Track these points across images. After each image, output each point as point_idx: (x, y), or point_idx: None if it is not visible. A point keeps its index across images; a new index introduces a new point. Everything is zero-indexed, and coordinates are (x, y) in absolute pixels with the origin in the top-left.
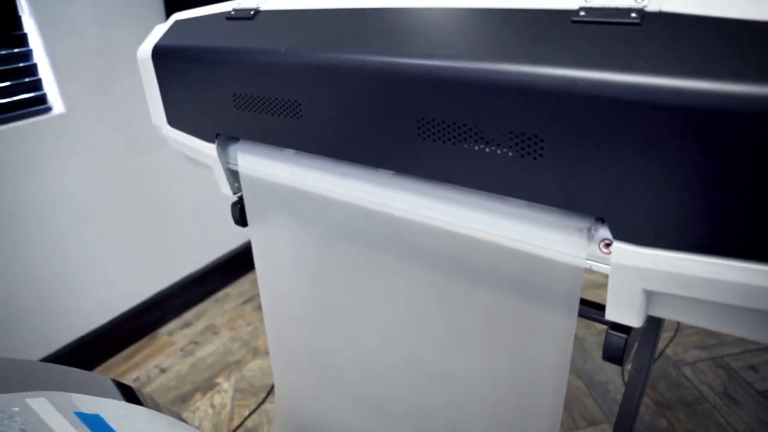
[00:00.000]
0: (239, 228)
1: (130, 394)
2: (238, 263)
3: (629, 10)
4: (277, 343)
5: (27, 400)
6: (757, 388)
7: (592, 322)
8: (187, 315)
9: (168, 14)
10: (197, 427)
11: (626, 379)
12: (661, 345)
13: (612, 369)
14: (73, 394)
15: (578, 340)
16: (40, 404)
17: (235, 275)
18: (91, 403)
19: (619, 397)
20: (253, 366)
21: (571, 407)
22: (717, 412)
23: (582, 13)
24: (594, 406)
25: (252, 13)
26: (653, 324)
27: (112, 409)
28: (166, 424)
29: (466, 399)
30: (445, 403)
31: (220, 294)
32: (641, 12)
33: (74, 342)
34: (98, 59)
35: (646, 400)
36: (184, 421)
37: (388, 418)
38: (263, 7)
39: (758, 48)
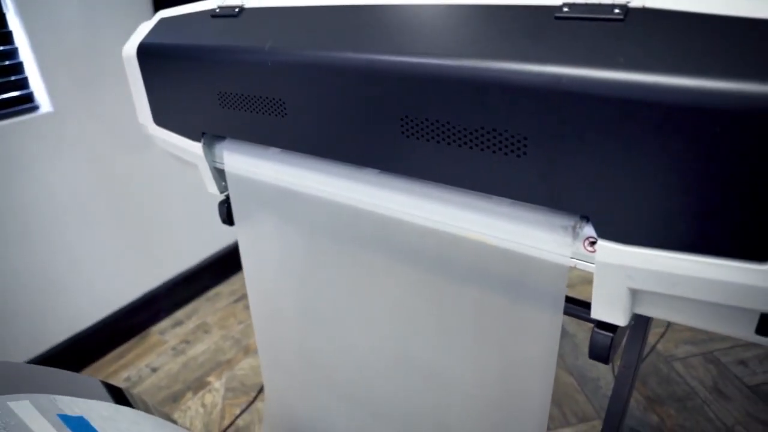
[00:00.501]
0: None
1: (119, 396)
2: (229, 261)
3: (612, 6)
4: (266, 342)
5: (9, 403)
6: (746, 382)
7: None
8: (179, 314)
9: (156, 11)
10: (187, 428)
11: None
12: (652, 341)
13: (603, 365)
14: (57, 396)
15: (569, 336)
16: (23, 407)
17: (227, 274)
18: (75, 405)
19: (611, 393)
20: (245, 365)
21: (563, 403)
22: (707, 406)
23: (565, 9)
24: (585, 402)
25: (237, 10)
26: (641, 321)
27: (98, 410)
28: (152, 425)
29: (454, 397)
30: (434, 401)
31: (211, 292)
32: (624, 8)
33: (65, 342)
34: (86, 57)
35: (637, 395)
36: (173, 421)
37: (378, 417)
38: (248, 5)
39: (741, 44)
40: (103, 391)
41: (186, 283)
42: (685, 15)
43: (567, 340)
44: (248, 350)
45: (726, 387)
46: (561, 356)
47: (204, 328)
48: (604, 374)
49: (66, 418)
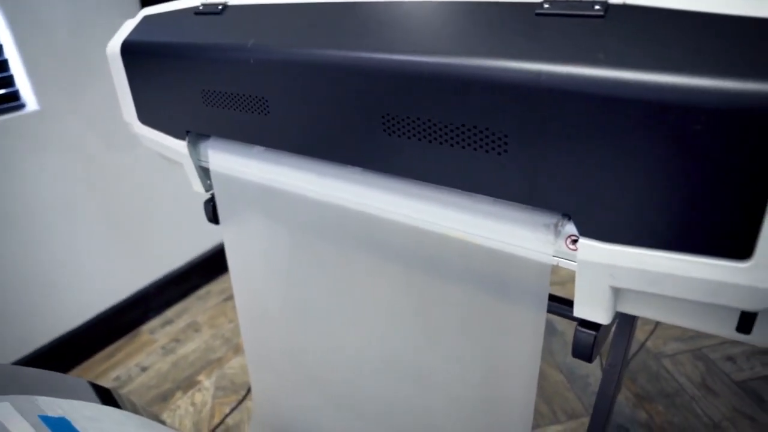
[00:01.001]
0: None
1: (106, 396)
2: (219, 260)
3: (593, 3)
4: (253, 342)
5: None
6: (734, 378)
7: None
8: (169, 313)
9: (143, 8)
10: (175, 428)
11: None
12: (641, 338)
13: (593, 363)
14: (39, 398)
15: (559, 334)
16: (4, 409)
17: (217, 272)
18: (58, 406)
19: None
20: (235, 363)
21: (552, 401)
22: (695, 403)
23: (546, 6)
24: (575, 400)
25: (220, 8)
26: (627, 319)
27: (81, 411)
28: (136, 425)
29: (441, 396)
30: (420, 400)
31: (201, 291)
32: (605, 4)
33: (54, 341)
34: (73, 55)
35: (626, 392)
36: (162, 422)
37: (365, 417)
38: (231, 2)
39: (721, 41)
40: (90, 391)
41: (176, 282)
42: (664, 12)
43: (557, 338)
44: (238, 349)
45: (714, 383)
46: (551, 353)
47: (194, 327)
48: (593, 371)
49: (47, 420)
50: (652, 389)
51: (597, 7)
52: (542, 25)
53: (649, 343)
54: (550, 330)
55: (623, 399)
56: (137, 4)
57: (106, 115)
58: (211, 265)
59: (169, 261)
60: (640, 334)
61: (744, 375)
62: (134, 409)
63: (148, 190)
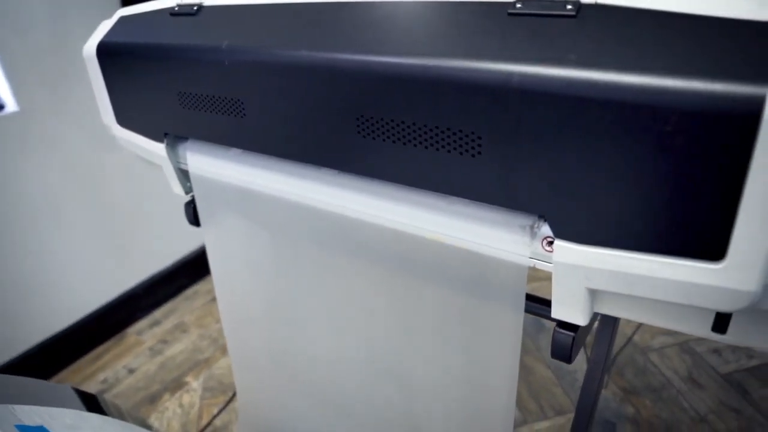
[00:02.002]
0: None
1: (91, 402)
2: (206, 260)
3: (565, 2)
4: (236, 344)
5: None
6: (719, 371)
7: None
8: (156, 313)
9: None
10: None
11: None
12: (629, 332)
13: (580, 358)
14: (17, 406)
15: (546, 330)
16: None
17: (204, 272)
18: (36, 415)
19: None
20: (223, 363)
21: (540, 397)
22: (681, 396)
23: (518, 5)
24: (562, 395)
25: (195, 8)
26: (609, 318)
27: (61, 419)
28: (116, 430)
29: (423, 397)
30: (403, 400)
31: (189, 291)
32: (577, 4)
33: (41, 344)
34: (53, 54)
35: (613, 387)
36: (148, 427)
37: (349, 417)
38: (207, 3)
39: (690, 41)
40: (74, 398)
41: (163, 283)
42: (636, 11)
43: (544, 334)
44: (226, 349)
45: (700, 376)
46: (538, 350)
47: (182, 328)
48: (581, 367)
49: (24, 429)
50: (639, 383)
51: (569, 6)
52: (514, 24)
53: (636, 337)
54: (537, 326)
55: (610, 394)
56: (118, 3)
57: (89, 116)
58: (199, 265)
59: (156, 261)
60: (627, 329)
61: (730, 367)
62: (120, 414)
63: (133, 189)
